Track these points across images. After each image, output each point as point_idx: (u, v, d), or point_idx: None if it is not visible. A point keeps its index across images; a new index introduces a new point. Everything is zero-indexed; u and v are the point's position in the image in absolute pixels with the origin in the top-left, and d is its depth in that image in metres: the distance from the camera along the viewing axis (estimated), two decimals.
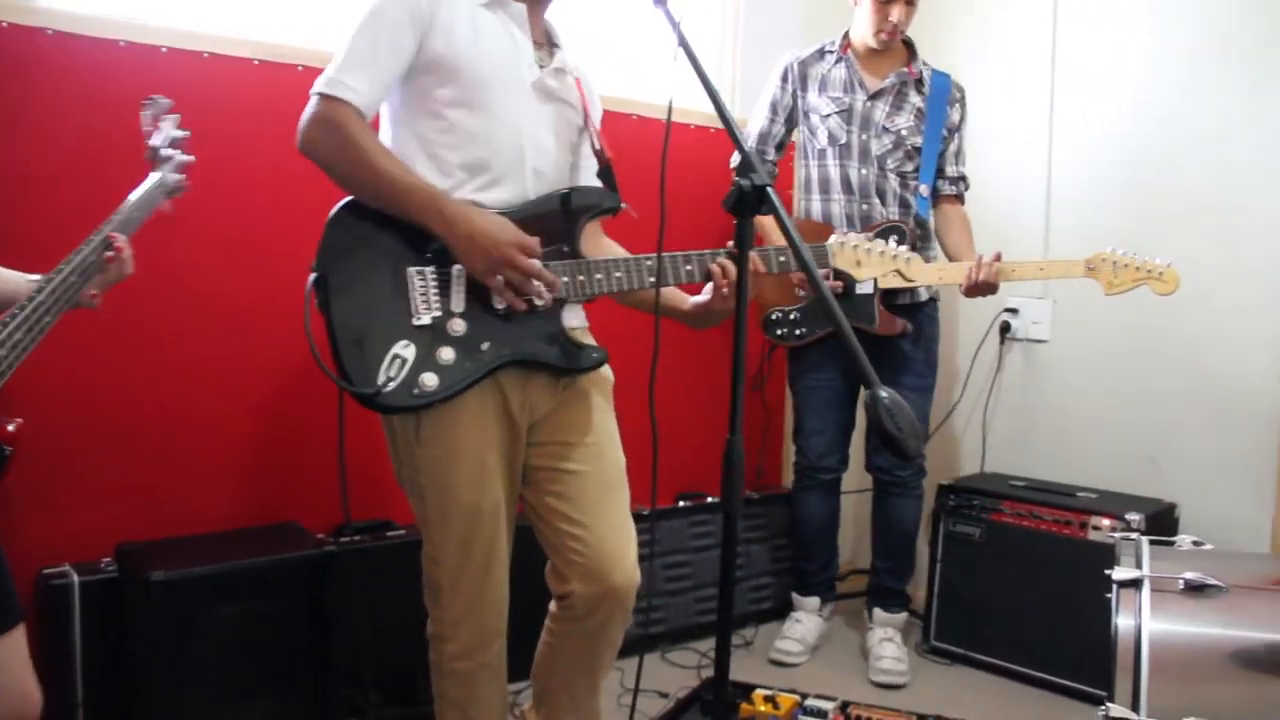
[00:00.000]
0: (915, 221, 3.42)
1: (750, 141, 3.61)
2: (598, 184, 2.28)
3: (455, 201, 2.03)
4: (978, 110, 3.72)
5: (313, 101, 2.01)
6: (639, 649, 2.64)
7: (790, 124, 3.58)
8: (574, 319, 2.25)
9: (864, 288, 3.30)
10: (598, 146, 2.28)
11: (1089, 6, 3.80)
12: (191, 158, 2.17)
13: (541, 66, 2.19)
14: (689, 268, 2.17)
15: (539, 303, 2.07)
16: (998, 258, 3.07)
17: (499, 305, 2.07)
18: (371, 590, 2.80)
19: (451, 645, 2.20)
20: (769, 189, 1.64)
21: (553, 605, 2.28)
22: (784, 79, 3.55)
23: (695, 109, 3.58)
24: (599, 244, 2.36)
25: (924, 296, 3.49)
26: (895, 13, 3.32)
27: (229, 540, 2.75)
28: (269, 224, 2.87)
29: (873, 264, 2.48)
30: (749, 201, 1.64)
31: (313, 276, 1.99)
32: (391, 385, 1.96)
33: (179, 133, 2.19)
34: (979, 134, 3.83)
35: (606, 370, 2.30)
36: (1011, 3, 4.02)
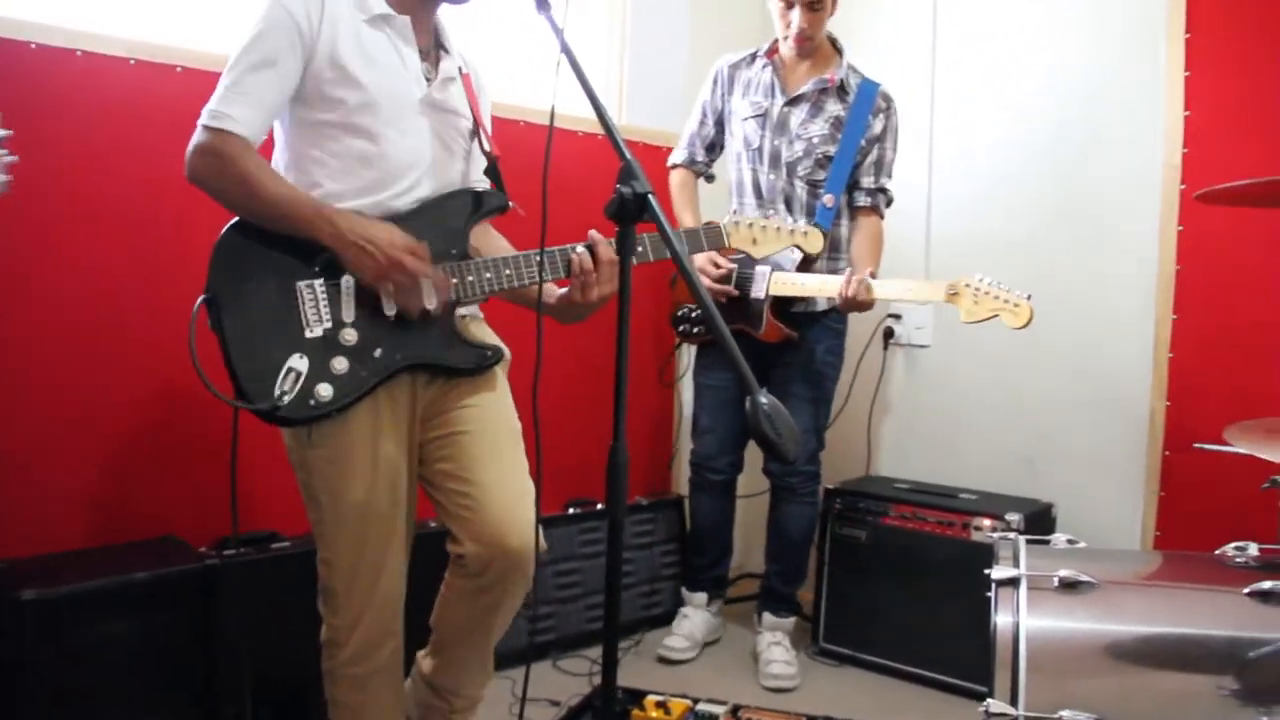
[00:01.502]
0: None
1: (683, 141, 3.63)
2: (486, 183, 2.31)
3: (342, 212, 2.04)
4: None
5: (198, 132, 2.02)
6: (528, 657, 2.62)
7: (719, 126, 3.58)
8: (470, 310, 2.28)
9: (757, 292, 3.32)
10: (485, 146, 2.30)
11: (965, 27, 3.92)
12: (14, 158, 2.09)
13: (429, 79, 2.20)
14: (567, 260, 2.20)
15: (430, 306, 2.08)
16: (871, 275, 3.12)
17: (389, 312, 2.09)
18: (258, 604, 2.72)
19: (345, 650, 2.19)
20: (650, 196, 1.64)
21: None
22: (714, 82, 3.56)
23: (584, 115, 3.58)
24: (490, 241, 2.37)
25: (822, 306, 3.44)
26: (794, 18, 3.32)
27: (105, 556, 2.64)
28: (148, 229, 2.79)
29: (769, 240, 2.48)
30: (630, 209, 1.64)
31: (201, 298, 2.00)
32: (287, 398, 1.99)
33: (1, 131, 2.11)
34: None
35: (504, 350, 2.31)
36: (890, 25, 4.12)
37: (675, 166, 3.63)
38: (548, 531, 3.49)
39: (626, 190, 1.64)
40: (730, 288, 3.37)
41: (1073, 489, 3.60)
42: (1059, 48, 3.66)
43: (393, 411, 2.16)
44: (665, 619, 3.84)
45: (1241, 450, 2.25)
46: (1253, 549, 2.16)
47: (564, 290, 2.26)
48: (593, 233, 2.19)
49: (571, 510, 3.67)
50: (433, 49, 2.27)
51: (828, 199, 3.36)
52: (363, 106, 2.08)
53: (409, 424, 2.20)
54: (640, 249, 2.26)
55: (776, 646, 3.55)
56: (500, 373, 2.32)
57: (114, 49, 2.71)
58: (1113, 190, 3.52)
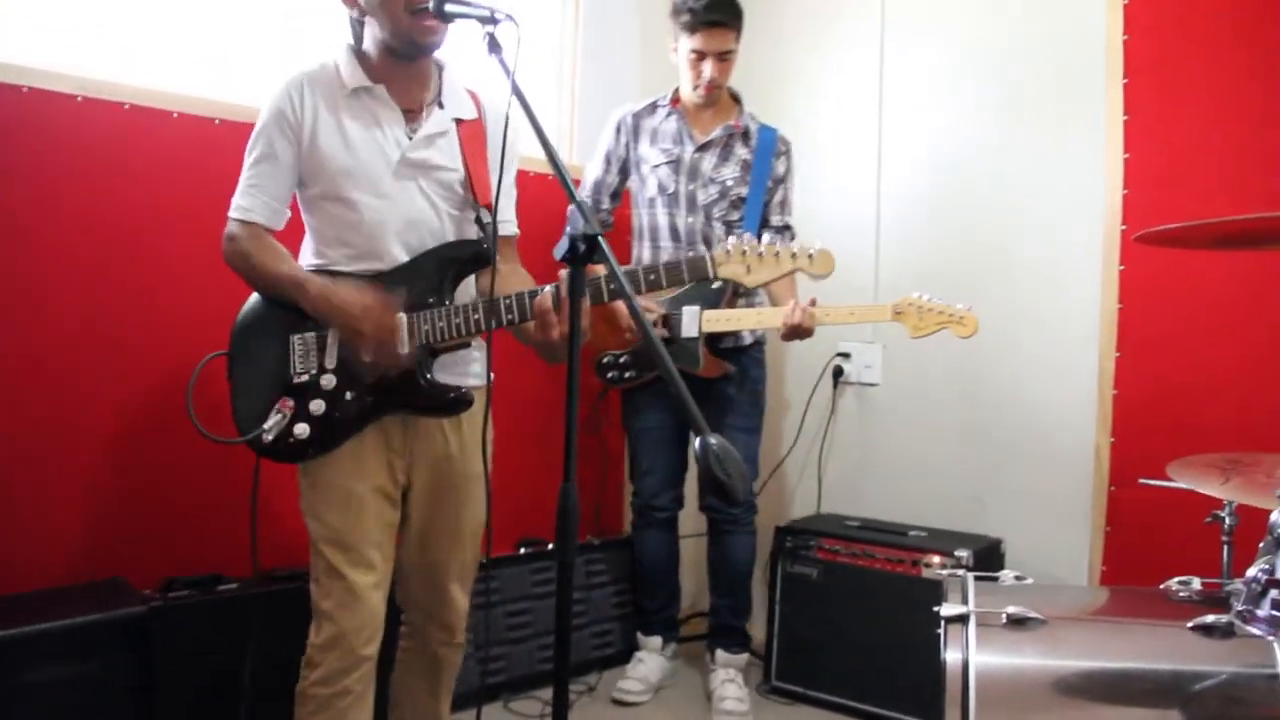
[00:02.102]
0: None
1: (586, 190, 3.68)
2: (472, 236, 2.42)
3: (317, 283, 2.27)
4: (815, 161, 3.89)
5: (228, 223, 2.32)
6: (479, 698, 2.61)
7: (624, 174, 3.65)
8: (451, 363, 2.42)
9: (689, 331, 3.35)
10: (473, 198, 2.40)
11: (910, 68, 3.99)
12: None
13: (410, 137, 2.33)
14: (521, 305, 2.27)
15: (371, 359, 2.27)
16: (813, 303, 3.16)
17: (366, 358, 2.28)
18: (202, 648, 2.68)
19: (317, 670, 2.26)
20: (600, 238, 1.66)
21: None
22: (618, 131, 3.63)
23: (533, 155, 3.60)
24: (513, 275, 2.49)
25: (748, 340, 3.58)
26: (706, 68, 3.43)
27: (46, 599, 2.59)
28: (104, 268, 2.79)
29: (765, 268, 2.32)
30: (580, 250, 1.66)
31: (217, 353, 2.32)
32: (269, 434, 2.24)
33: None
34: (816, 183, 4.01)
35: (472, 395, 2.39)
36: (839, 67, 4.19)
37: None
38: (499, 571, 3.49)
39: (576, 232, 1.65)
40: (661, 330, 3.40)
41: (1021, 525, 3.64)
42: (1001, 91, 3.73)
43: (376, 453, 2.33)
44: (618, 659, 3.82)
45: (1184, 486, 2.29)
46: (1196, 583, 2.19)
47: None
48: (563, 274, 2.20)
49: (523, 550, 3.66)
50: (427, 104, 2.39)
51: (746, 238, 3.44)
52: (340, 177, 2.28)
53: (390, 464, 2.36)
54: (613, 286, 2.27)
55: (730, 684, 3.56)
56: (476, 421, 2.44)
57: (62, 85, 2.72)
58: (1056, 231, 3.58)
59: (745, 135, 3.56)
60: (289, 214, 2.35)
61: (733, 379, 3.53)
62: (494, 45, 2.00)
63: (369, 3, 2.27)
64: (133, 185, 2.83)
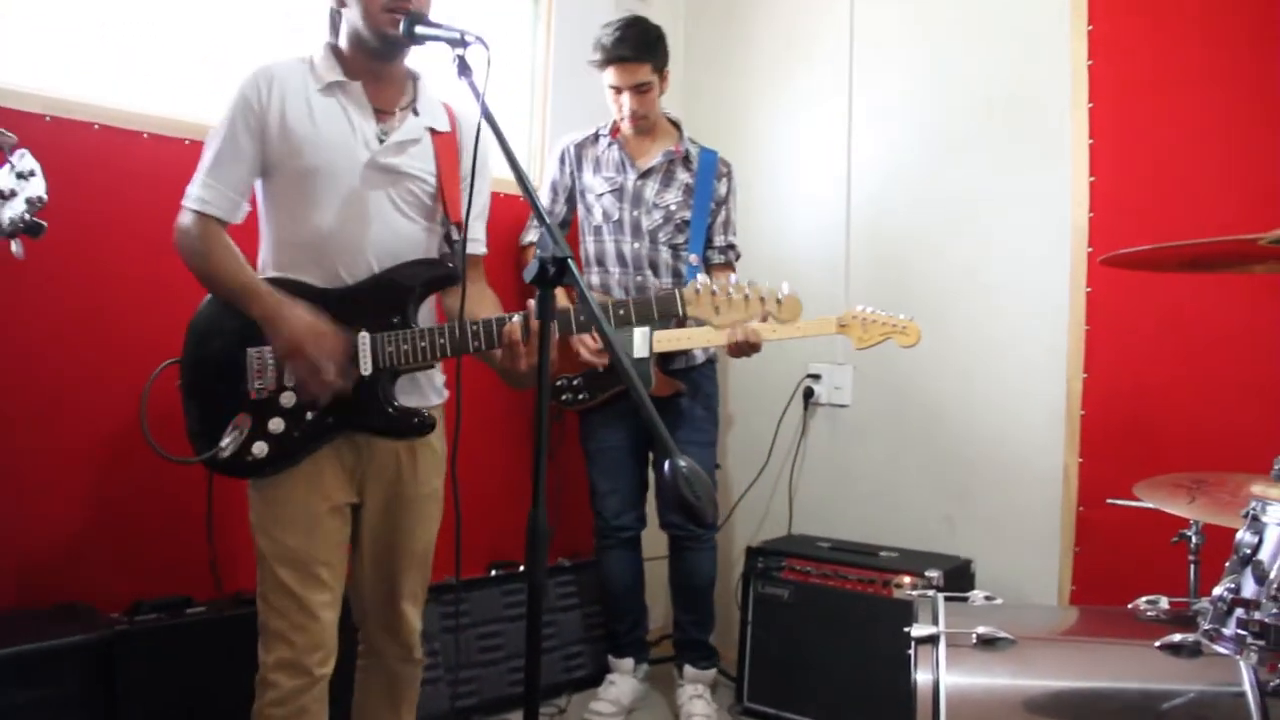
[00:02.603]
0: None
1: (534, 221, 3.73)
2: (438, 251, 2.41)
3: (271, 297, 2.20)
4: (785, 185, 3.95)
5: (180, 213, 2.25)
6: None
7: (571, 203, 3.71)
8: (413, 385, 2.40)
9: (640, 351, 3.37)
10: (443, 213, 2.38)
11: (879, 91, 4.02)
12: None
13: (381, 140, 2.29)
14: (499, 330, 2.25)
15: (320, 393, 2.21)
16: (764, 319, 3.18)
17: (308, 385, 2.21)
18: (170, 671, 2.65)
19: (272, 691, 2.22)
20: (569, 260, 1.66)
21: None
22: (562, 161, 3.69)
23: (506, 176, 3.61)
24: (481, 296, 2.48)
25: (700, 359, 3.65)
26: (625, 101, 3.51)
27: (9, 623, 2.55)
28: (64, 292, 2.76)
29: (735, 309, 2.34)
30: (550, 273, 1.66)
31: (169, 361, 2.27)
32: (226, 453, 2.19)
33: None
34: (786, 207, 4.07)
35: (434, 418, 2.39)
36: (809, 90, 4.22)
37: (529, 245, 3.74)
38: (470, 594, 3.48)
39: (546, 255, 1.66)
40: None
41: (991, 545, 3.65)
42: (969, 115, 3.76)
43: (333, 471, 2.29)
44: (589, 681, 3.81)
45: (1151, 506, 2.31)
46: (1164, 602, 2.21)
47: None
48: (531, 302, 2.18)
49: (494, 572, 3.64)
50: (401, 109, 2.36)
51: (693, 259, 3.58)
52: (307, 173, 2.23)
53: (344, 481, 2.32)
54: (583, 318, 2.31)
55: (698, 700, 3.58)
56: (438, 444, 2.45)
57: (30, 106, 2.71)
58: (1024, 253, 3.61)
59: (686, 159, 3.63)
60: (248, 208, 2.30)
61: (686, 395, 3.59)
62: (464, 68, 2.02)
63: None
64: (95, 203, 2.81)
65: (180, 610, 2.78)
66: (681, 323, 3.36)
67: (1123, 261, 2.30)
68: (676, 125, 3.70)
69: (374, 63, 2.30)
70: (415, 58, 2.36)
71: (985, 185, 3.72)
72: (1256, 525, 1.96)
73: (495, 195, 3.49)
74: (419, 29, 2.14)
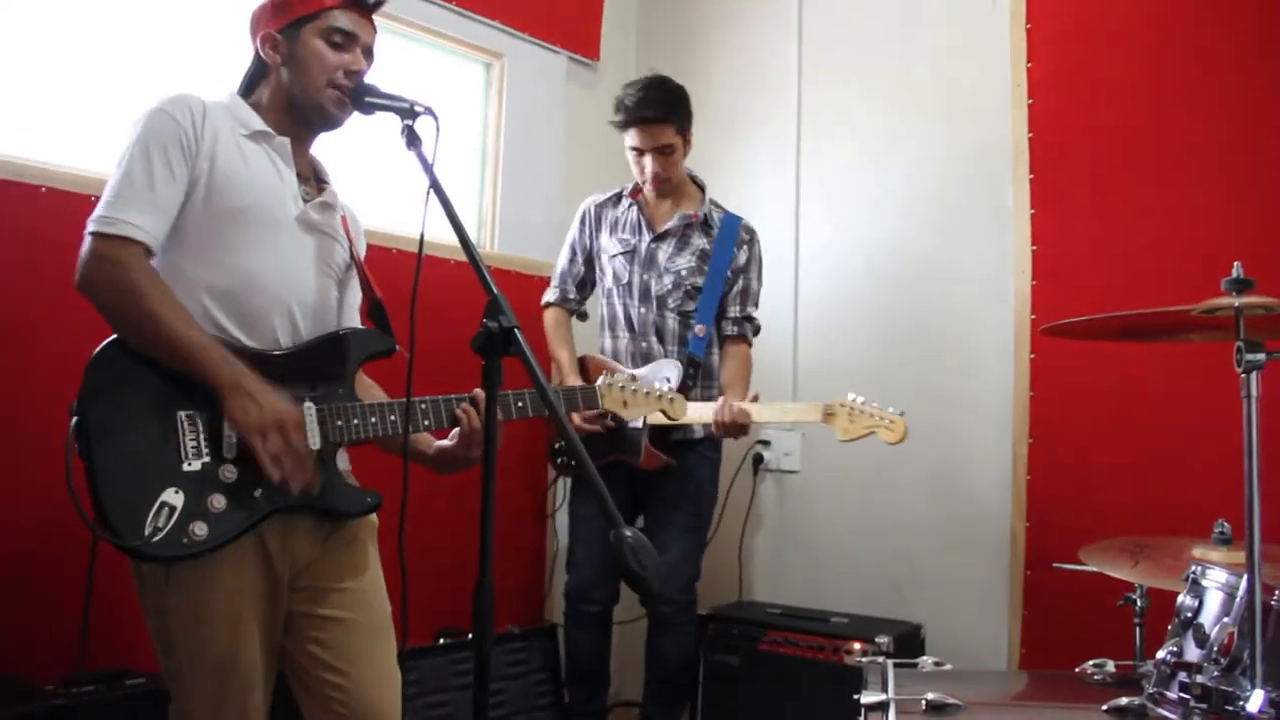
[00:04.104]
0: (689, 360, 3.45)
1: (555, 279, 3.68)
2: (362, 324, 2.30)
3: (228, 363, 1.94)
4: None
5: (90, 240, 1.93)
6: None
7: (590, 264, 3.65)
8: (341, 462, 2.20)
9: (635, 422, 3.34)
10: (367, 284, 2.27)
11: (826, 164, 4.11)
12: None
13: (306, 199, 2.17)
14: (449, 412, 2.18)
15: (292, 484, 1.98)
16: (754, 399, 3.19)
17: (274, 476, 1.96)
18: None
19: None
20: (516, 330, 1.66)
21: None
22: (582, 221, 3.65)
23: (456, 243, 3.63)
24: (366, 389, 2.30)
25: (699, 434, 3.49)
26: (647, 164, 3.45)
27: None
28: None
29: (639, 404, 2.65)
30: (497, 343, 1.65)
31: (74, 420, 1.86)
32: (159, 535, 1.84)
33: None
34: None
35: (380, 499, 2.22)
36: (757, 164, 4.29)
37: (549, 305, 3.68)
38: (417, 663, 3.42)
39: (493, 324, 1.65)
40: (607, 419, 3.37)
41: (941, 609, 3.67)
42: (914, 187, 3.86)
43: (261, 559, 2.03)
44: None
45: (1096, 569, 2.34)
46: (1110, 666, 2.23)
47: (442, 441, 2.24)
48: (478, 390, 2.15)
49: (442, 640, 3.59)
50: (312, 176, 2.27)
51: (699, 329, 3.46)
52: (235, 213, 2.03)
53: (277, 575, 2.07)
54: (520, 404, 2.27)
55: None
56: (372, 549, 2.26)
57: None
58: (969, 322, 3.68)
59: (705, 224, 3.54)
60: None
61: (678, 474, 3.47)
62: (413, 139, 2.00)
63: (296, 55, 2.14)
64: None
65: (120, 682, 2.71)
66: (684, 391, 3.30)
67: (1062, 331, 2.35)
68: (701, 187, 3.63)
69: (298, 128, 2.20)
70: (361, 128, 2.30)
71: (932, 254, 3.79)
72: (1197, 589, 1.99)
73: (446, 262, 3.50)
74: (368, 98, 2.13)
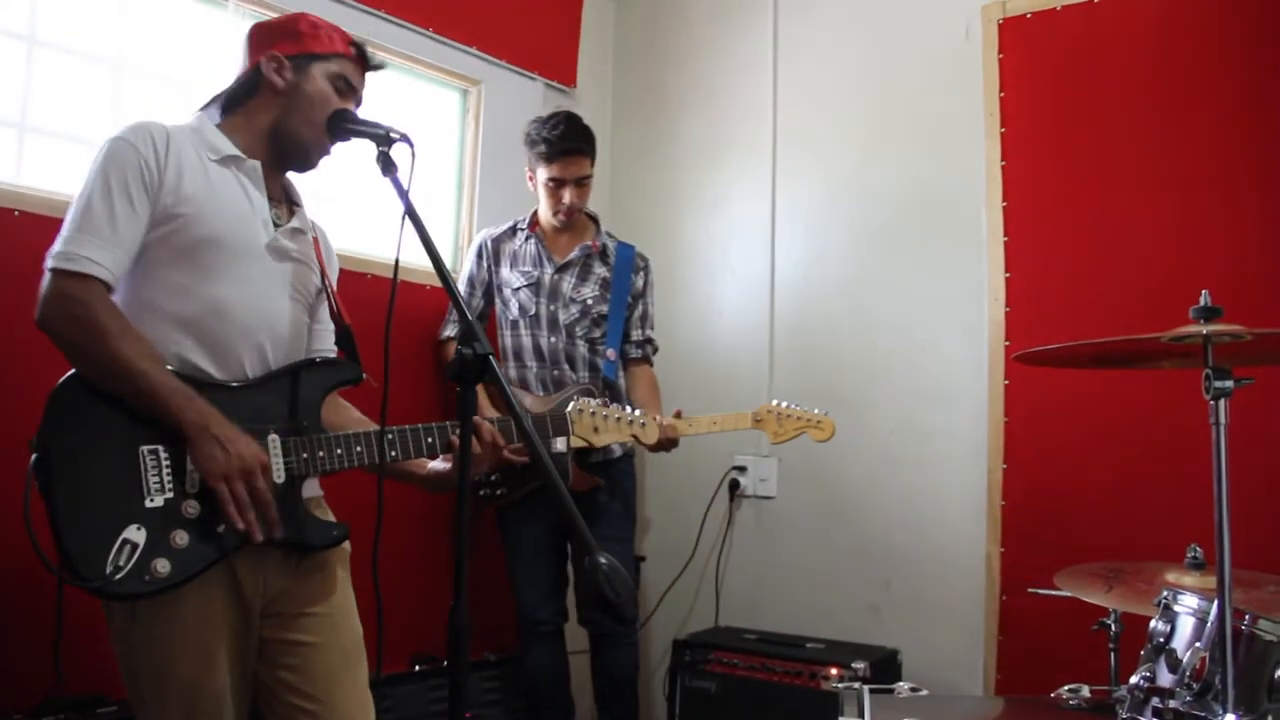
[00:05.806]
0: (603, 384, 3.55)
1: (453, 315, 3.69)
2: (333, 351, 2.28)
3: (195, 404, 1.90)
4: (711, 283, 4.04)
5: (50, 276, 1.90)
6: None
7: (488, 297, 3.68)
8: (311, 489, 2.18)
9: (558, 446, 3.35)
10: (336, 310, 2.26)
11: (801, 183, 4.13)
12: None
13: (278, 224, 2.15)
14: (430, 440, 2.17)
15: (255, 536, 1.94)
16: (678, 414, 3.21)
17: (239, 526, 1.93)
18: None
19: None
20: (491, 358, 1.66)
21: None
22: (479, 256, 3.68)
23: (430, 268, 3.63)
24: (339, 411, 2.29)
25: (618, 454, 3.63)
26: (566, 195, 3.51)
27: None
28: None
29: (610, 431, 2.69)
30: (471, 370, 1.66)
31: (34, 456, 1.82)
32: (120, 574, 1.81)
33: None
34: (712, 304, 4.15)
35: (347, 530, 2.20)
36: (736, 187, 4.32)
37: (448, 340, 3.70)
38: (393, 690, 3.40)
39: (468, 351, 1.66)
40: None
41: (917, 634, 3.67)
42: (889, 214, 3.88)
43: (231, 590, 2.01)
44: None
45: (1070, 594, 2.35)
46: (1085, 690, 2.24)
47: (435, 464, 2.25)
48: (475, 417, 2.11)
49: (417, 667, 3.57)
50: (283, 199, 2.24)
51: (610, 354, 3.59)
52: (202, 241, 1.99)
53: (248, 606, 2.04)
54: (501, 421, 2.27)
55: None
56: (343, 573, 2.23)
57: None
58: (944, 348, 3.70)
59: (603, 253, 3.65)
60: None
61: (603, 490, 3.56)
62: (388, 166, 2.01)
63: (301, 88, 2.14)
64: None
65: (93, 709, 2.67)
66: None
67: (1034, 358, 2.37)
68: (594, 220, 3.73)
69: (273, 156, 2.18)
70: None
71: (907, 281, 3.81)
72: (1169, 614, 2.00)
73: (420, 287, 3.50)
74: (345, 125, 2.14)
